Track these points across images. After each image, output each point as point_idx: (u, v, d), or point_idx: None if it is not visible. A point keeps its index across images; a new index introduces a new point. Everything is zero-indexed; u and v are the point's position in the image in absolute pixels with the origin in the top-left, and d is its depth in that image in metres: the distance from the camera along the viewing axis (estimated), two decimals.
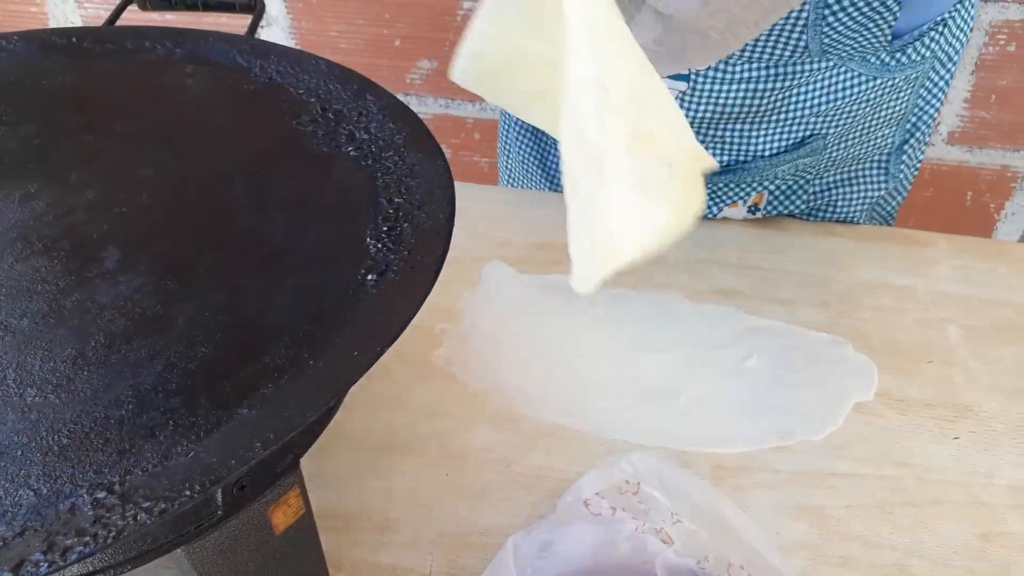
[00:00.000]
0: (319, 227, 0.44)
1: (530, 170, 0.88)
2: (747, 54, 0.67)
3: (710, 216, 0.79)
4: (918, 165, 0.82)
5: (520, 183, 0.90)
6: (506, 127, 0.90)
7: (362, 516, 0.53)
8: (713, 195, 0.78)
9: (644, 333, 0.66)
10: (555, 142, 0.80)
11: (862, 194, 0.79)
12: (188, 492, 0.30)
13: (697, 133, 0.73)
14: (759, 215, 0.78)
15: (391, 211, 0.45)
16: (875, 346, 0.65)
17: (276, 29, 1.24)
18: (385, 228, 0.44)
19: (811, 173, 0.76)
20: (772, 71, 0.68)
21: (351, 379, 0.35)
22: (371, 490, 0.54)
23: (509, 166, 0.91)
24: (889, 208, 0.82)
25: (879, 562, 0.51)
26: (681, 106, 0.71)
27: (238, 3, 0.68)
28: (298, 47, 1.25)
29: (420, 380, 0.62)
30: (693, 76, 0.69)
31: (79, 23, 1.30)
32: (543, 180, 0.87)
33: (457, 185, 0.47)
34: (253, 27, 0.63)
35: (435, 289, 0.70)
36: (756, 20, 0.62)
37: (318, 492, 0.53)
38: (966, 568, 0.51)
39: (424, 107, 1.27)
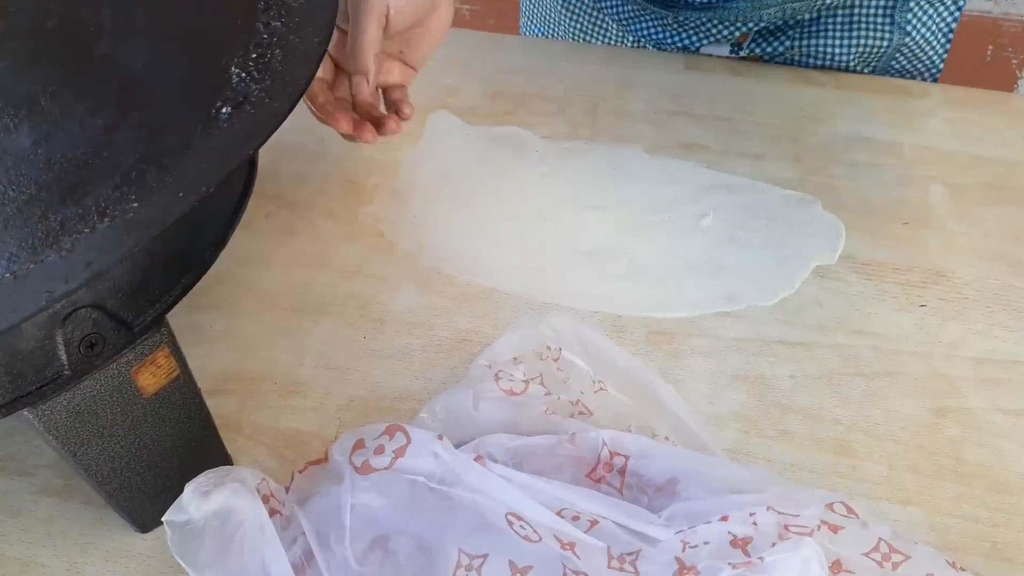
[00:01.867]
0: (184, 56, 0.39)
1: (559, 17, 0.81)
2: None
3: (692, 49, 0.73)
4: (945, 28, 0.71)
5: (547, 31, 0.83)
6: None
7: (269, 378, 0.49)
8: (695, 30, 0.71)
9: (593, 190, 0.60)
10: None
11: (859, 41, 0.70)
12: None
13: None
14: (742, 54, 0.71)
15: (265, 36, 0.39)
16: (847, 205, 0.59)
17: None
18: (255, 56, 0.38)
19: (800, 16, 0.68)
20: None
21: (164, 223, 0.30)
22: (281, 351, 0.51)
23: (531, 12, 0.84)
24: (900, 68, 0.73)
25: (818, 436, 0.47)
26: None
27: None
28: None
29: (346, 239, 0.57)
30: None
31: None
32: (570, 25, 0.80)
33: None
34: None
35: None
36: None
37: (225, 352, 0.50)
38: (913, 444, 0.47)
39: None
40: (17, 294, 0.28)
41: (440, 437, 0.40)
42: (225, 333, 0.51)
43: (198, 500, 0.38)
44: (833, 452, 0.46)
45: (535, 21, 0.84)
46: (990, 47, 1.09)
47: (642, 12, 0.72)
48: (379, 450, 0.41)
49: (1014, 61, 1.10)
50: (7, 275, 0.29)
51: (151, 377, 0.39)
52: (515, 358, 0.46)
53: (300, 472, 0.43)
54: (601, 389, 0.46)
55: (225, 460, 0.46)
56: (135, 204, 0.31)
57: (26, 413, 0.36)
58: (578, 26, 0.79)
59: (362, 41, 0.52)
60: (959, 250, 0.57)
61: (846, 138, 0.64)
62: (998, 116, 0.67)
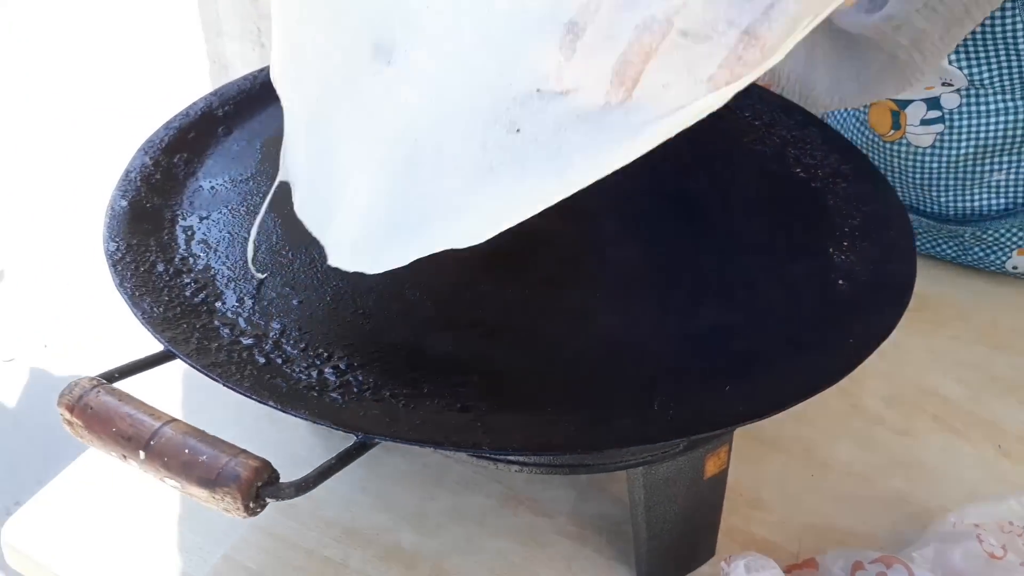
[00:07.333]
0: (787, 233, 0.52)
1: None
2: (998, 83, 0.65)
3: (995, 269, 0.73)
4: None
5: None
6: None
7: (734, 490, 0.59)
8: (997, 244, 0.72)
9: None
10: None
11: None
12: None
13: (963, 175, 0.70)
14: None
15: (847, 229, 0.51)
16: None
17: None
18: (845, 244, 0.50)
19: None
20: None
21: (844, 372, 0.42)
22: (741, 472, 0.60)
23: None
24: None
25: None
26: (941, 147, 0.69)
27: None
28: None
29: None
30: (947, 115, 0.67)
31: None
32: None
33: None
34: None
35: None
36: (940, 34, 0.58)
37: None
38: None
39: None
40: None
41: None
42: None
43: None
44: None
45: None
46: None
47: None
48: None
49: None
50: None
51: (713, 465, 0.50)
52: (976, 524, 0.54)
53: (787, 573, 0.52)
54: None
55: (711, 550, 0.56)
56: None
57: (640, 469, 0.48)
58: None
59: None
60: None
61: None
62: None
